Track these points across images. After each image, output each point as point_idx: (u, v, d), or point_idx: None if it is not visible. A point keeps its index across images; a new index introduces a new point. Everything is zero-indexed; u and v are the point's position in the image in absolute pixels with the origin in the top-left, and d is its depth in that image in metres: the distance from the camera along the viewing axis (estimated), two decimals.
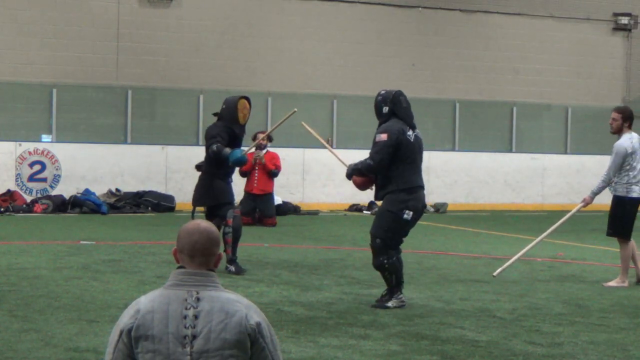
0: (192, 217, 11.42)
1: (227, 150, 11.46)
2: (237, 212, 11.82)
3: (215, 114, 12.07)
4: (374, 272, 11.99)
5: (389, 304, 9.50)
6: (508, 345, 7.91)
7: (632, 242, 11.66)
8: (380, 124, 9.70)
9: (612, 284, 11.38)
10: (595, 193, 11.52)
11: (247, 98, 11.96)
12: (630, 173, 11.41)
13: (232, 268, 11.46)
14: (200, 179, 11.83)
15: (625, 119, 11.46)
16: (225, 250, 11.35)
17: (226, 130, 11.65)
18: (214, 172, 11.64)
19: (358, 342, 7.85)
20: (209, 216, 11.60)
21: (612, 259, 14.28)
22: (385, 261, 9.48)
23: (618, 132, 11.48)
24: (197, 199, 11.84)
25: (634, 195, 11.44)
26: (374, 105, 9.77)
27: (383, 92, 9.77)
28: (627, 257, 11.52)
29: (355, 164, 9.70)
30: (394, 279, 9.52)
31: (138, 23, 22.18)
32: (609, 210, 11.68)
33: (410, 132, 9.54)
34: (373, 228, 9.60)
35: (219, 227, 11.40)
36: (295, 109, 12.24)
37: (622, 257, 11.57)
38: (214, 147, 11.47)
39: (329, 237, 16.11)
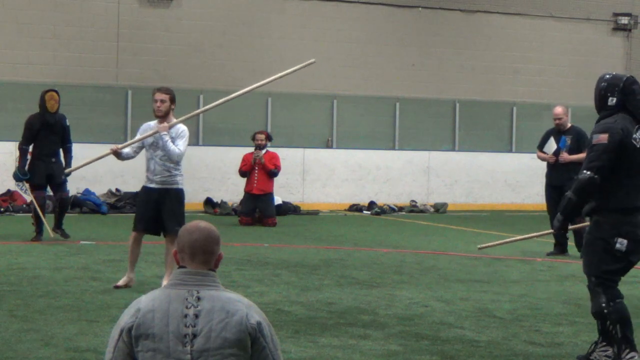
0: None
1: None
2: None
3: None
4: (374, 272, 12.02)
5: None
6: (508, 345, 7.91)
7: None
8: (599, 119, 7.54)
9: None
10: None
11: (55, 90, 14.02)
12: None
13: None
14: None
15: (172, 101, 10.77)
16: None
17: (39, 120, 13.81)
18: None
19: (358, 342, 7.85)
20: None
21: None
22: (604, 305, 7.06)
23: (166, 114, 10.81)
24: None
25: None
26: (595, 94, 7.63)
27: (608, 76, 7.55)
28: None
29: (564, 207, 7.26)
30: (618, 330, 7.06)
31: (138, 23, 22.17)
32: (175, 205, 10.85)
33: (637, 134, 7.26)
34: (584, 265, 7.21)
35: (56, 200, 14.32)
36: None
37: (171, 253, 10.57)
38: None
39: (329, 237, 16.09)
